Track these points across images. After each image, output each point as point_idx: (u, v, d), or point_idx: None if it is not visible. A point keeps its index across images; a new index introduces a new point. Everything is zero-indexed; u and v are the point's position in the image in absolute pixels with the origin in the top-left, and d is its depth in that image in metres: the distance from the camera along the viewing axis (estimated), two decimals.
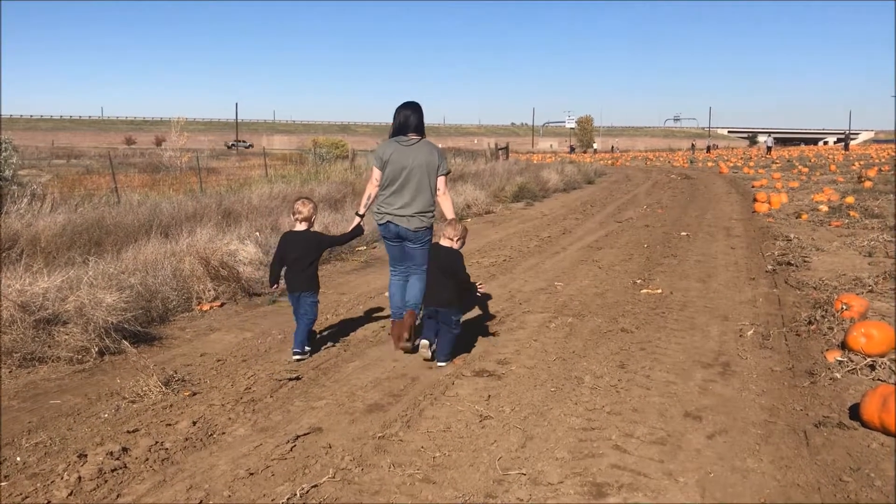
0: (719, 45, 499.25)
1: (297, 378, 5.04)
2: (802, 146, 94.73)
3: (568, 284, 8.26)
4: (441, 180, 5.73)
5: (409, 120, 5.66)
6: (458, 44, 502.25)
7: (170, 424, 4.24)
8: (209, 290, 7.49)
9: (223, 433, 4.15)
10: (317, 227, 9.90)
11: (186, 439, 4.03)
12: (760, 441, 3.94)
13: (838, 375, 4.78)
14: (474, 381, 4.98)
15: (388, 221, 5.68)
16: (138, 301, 6.50)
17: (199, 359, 5.63)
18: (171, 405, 4.57)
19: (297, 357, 5.52)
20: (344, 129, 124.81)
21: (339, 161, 25.23)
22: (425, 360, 5.37)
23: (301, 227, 5.71)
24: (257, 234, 8.98)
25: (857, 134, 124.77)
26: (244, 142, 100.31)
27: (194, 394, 4.78)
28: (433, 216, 5.76)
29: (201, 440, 4.04)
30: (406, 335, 5.50)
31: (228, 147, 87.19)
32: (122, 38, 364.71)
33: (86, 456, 3.74)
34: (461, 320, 5.57)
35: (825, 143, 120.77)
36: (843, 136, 75.98)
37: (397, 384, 4.94)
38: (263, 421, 4.31)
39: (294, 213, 5.73)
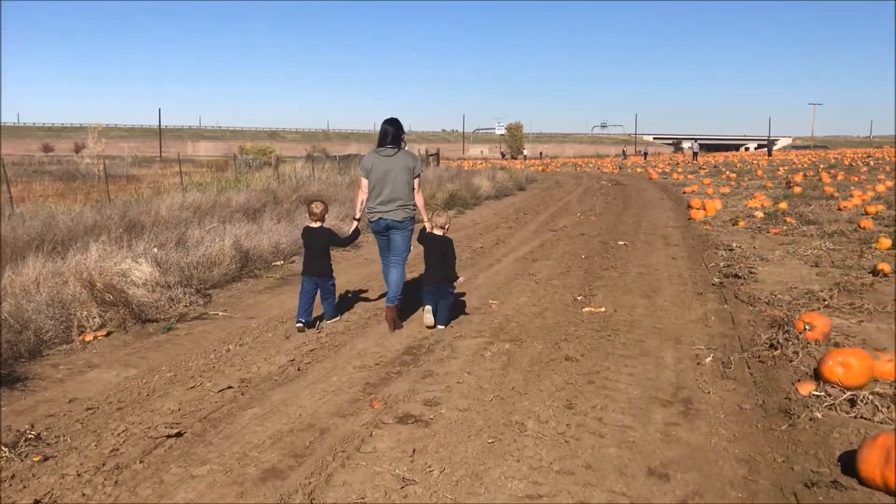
0: (644, 54, 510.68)
1: (179, 434, 4.11)
2: (725, 152, 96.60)
3: (504, 303, 7.51)
4: (416, 181, 6.68)
5: (387, 133, 6.61)
6: (389, 48, 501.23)
7: None
8: (94, 317, 6.48)
9: None
10: (228, 240, 9.10)
11: None
12: None
13: (819, 415, 4.12)
14: (397, 430, 4.16)
15: (379, 218, 6.61)
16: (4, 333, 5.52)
17: (66, 406, 4.67)
18: (13, 476, 3.63)
19: (333, 321, 6.83)
20: (272, 135, 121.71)
21: (265, 168, 24.01)
22: (428, 326, 6.49)
23: (315, 224, 6.80)
24: (154, 249, 7.95)
25: (777, 140, 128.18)
26: None
27: (46, 458, 3.83)
28: (414, 208, 6.71)
29: None
30: (391, 326, 6.54)
31: None
32: (39, 42, 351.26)
33: None
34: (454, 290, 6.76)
35: (746, 148, 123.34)
36: (764, 143, 77.82)
37: (302, 439, 4.05)
38: (127, 497, 3.40)
39: (310, 214, 6.84)
